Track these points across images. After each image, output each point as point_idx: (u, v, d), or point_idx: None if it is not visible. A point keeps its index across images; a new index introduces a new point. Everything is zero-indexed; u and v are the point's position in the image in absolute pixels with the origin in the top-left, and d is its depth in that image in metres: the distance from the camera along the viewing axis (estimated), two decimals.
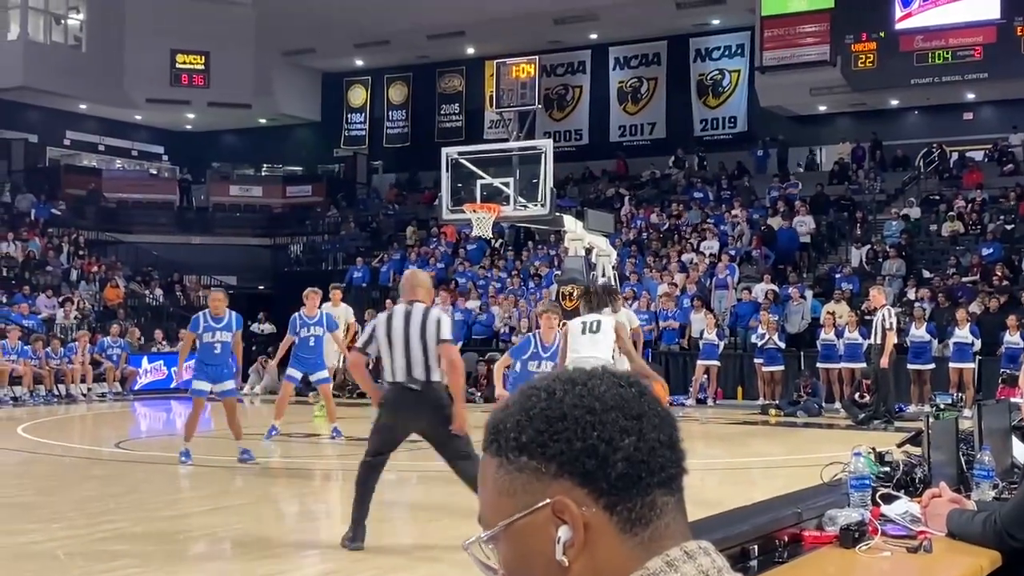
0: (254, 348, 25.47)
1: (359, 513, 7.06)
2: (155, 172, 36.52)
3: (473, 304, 23.75)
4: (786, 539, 2.97)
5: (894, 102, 28.74)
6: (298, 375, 13.95)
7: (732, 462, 11.76)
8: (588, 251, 18.96)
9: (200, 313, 11.70)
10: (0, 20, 32.24)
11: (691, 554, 1.15)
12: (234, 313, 11.58)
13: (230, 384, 11.55)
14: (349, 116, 37.13)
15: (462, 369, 7.35)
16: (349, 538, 7.03)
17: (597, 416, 1.15)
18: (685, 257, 24.49)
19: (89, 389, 20.93)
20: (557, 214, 18.45)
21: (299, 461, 12.36)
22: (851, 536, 3.01)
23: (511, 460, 1.17)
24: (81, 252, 29.63)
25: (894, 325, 16.38)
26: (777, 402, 18.82)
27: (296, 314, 13.96)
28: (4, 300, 24.84)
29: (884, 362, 15.95)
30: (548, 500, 1.14)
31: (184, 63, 34.52)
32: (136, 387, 22.48)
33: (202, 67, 34.62)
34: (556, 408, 1.16)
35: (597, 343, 9.93)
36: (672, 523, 1.17)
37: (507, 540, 1.17)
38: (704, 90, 31.88)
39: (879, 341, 16.09)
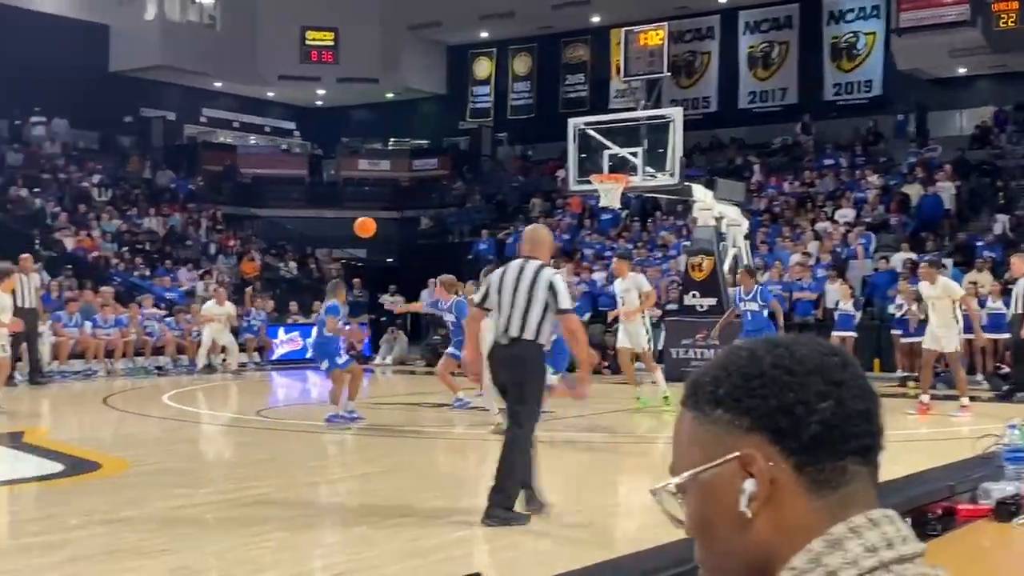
0: (383, 320, 25.97)
1: (519, 483, 7.02)
2: (287, 148, 37.38)
3: (600, 276, 23.71)
4: (939, 512, 2.94)
5: None
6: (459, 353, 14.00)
7: None
8: (718, 221, 18.73)
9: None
10: (138, 1, 33.36)
11: (876, 521, 1.15)
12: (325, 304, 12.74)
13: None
14: (474, 89, 37.33)
15: (584, 338, 7.26)
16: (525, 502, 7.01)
17: (796, 378, 1.17)
18: (819, 226, 23.98)
19: (224, 360, 21.59)
20: (686, 183, 18.27)
21: (435, 429, 12.58)
22: (1007, 510, 2.96)
23: (706, 413, 1.20)
24: (219, 226, 30.56)
25: None
26: (916, 374, 18.30)
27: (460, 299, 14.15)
28: (147, 273, 25.84)
29: None
30: (737, 453, 1.16)
31: (314, 40, 35.21)
32: (273, 357, 23.14)
33: (331, 43, 35.26)
34: (756, 366, 1.18)
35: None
36: (861, 491, 1.17)
37: (693, 490, 1.20)
38: (838, 53, 31.06)
39: (1020, 311, 15.51)
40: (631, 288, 14.12)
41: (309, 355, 22.71)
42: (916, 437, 11.27)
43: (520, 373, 6.88)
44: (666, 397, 13.58)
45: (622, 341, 14.26)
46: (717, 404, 1.19)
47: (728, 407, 1.18)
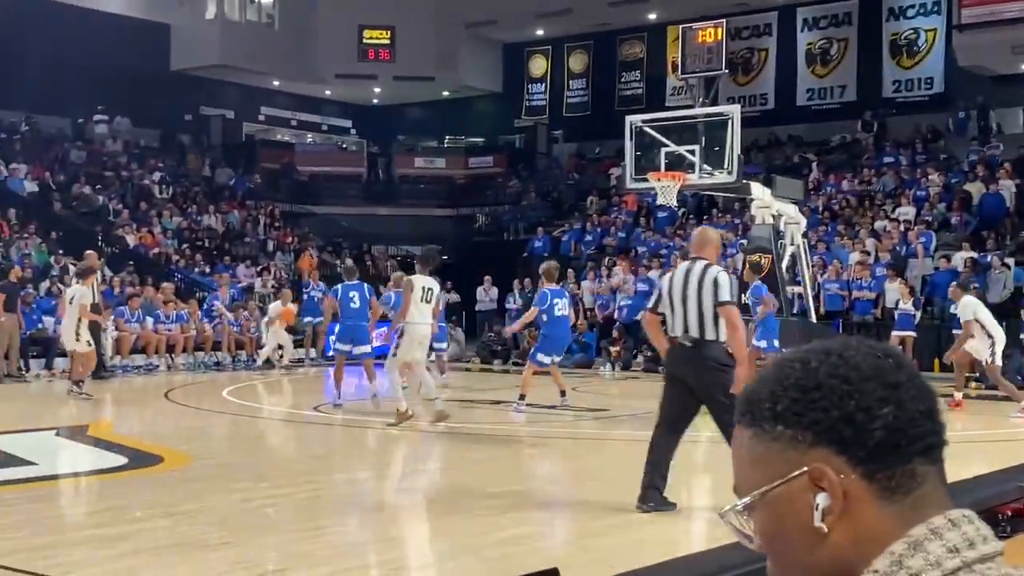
0: None
1: (647, 478, 7.09)
2: (344, 146, 37.64)
3: (656, 274, 23.56)
4: (1009, 513, 2.88)
5: None
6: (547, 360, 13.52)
7: None
8: (776, 218, 18.58)
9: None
10: (199, 0, 33.78)
11: (955, 522, 1.14)
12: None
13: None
14: (530, 86, 37.34)
15: (742, 333, 7.38)
16: (640, 499, 7.09)
17: (854, 385, 1.16)
18: (878, 224, 23.70)
19: (280, 356, 21.79)
20: (744, 181, 18.13)
21: (491, 426, 12.60)
22: None
23: (766, 430, 1.19)
24: (276, 224, 30.86)
25: None
26: (977, 375, 18.01)
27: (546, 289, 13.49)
28: (207, 270, 26.15)
29: None
30: (805, 468, 1.15)
31: (371, 38, 35.41)
32: (329, 352, 23.26)
33: (388, 41, 35.44)
34: (811, 378, 1.18)
35: (429, 310, 10.64)
36: (933, 492, 1.16)
37: (763, 509, 1.19)
38: (898, 50, 30.65)
39: None
40: None
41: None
42: (980, 439, 11.09)
43: (713, 374, 7.01)
44: None
45: None
46: (776, 420, 1.18)
47: (788, 422, 1.17)
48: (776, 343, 15.06)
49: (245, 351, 21.95)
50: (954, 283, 14.65)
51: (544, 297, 13.36)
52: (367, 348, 14.19)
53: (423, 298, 11.41)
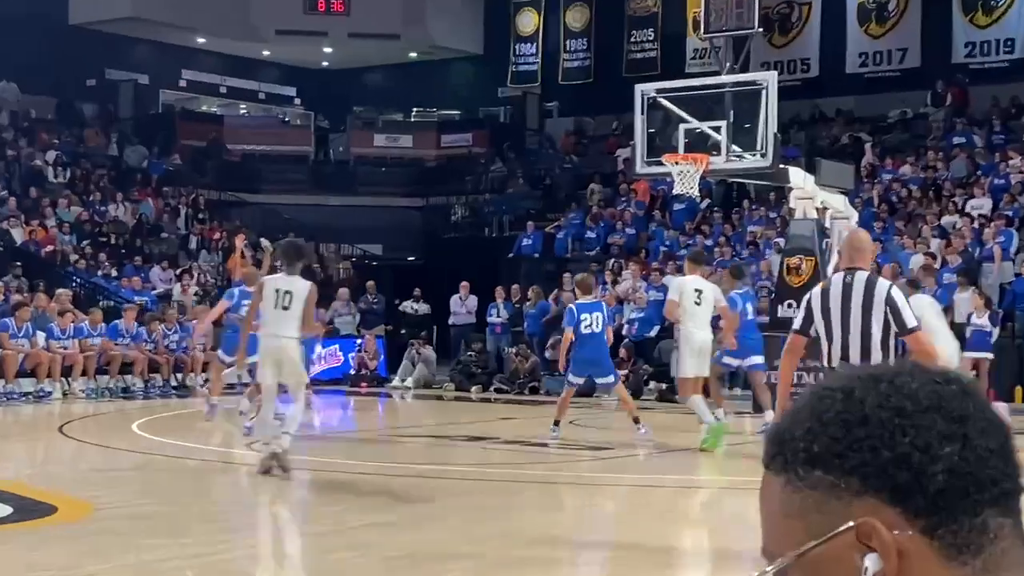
0: (403, 332, 26.06)
1: None
2: (286, 119, 37.59)
3: (671, 280, 23.63)
4: None
5: None
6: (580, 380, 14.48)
7: None
8: (821, 212, 18.63)
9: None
10: None
11: None
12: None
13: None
14: (518, 47, 37.33)
15: (937, 360, 7.49)
16: None
17: (909, 419, 1.15)
18: (946, 220, 23.81)
19: (205, 381, 21.68)
20: (781, 166, 18.17)
21: (468, 468, 12.60)
22: None
23: (801, 476, 1.18)
24: (201, 215, 30.81)
25: None
26: None
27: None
28: (114, 273, 26.07)
29: None
30: (851, 523, 1.14)
31: None
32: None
33: None
34: (856, 410, 1.17)
35: (289, 319, 10.50)
36: (1011, 549, 1.15)
37: (800, 573, 1.17)
38: (971, 5, 30.78)
39: None
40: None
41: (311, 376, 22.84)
42: None
43: None
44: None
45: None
46: (814, 464, 1.17)
47: (829, 467, 1.16)
48: (758, 360, 15.36)
49: (160, 374, 21.87)
50: None
51: (571, 315, 14.12)
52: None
53: (279, 303, 11.02)
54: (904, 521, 1.13)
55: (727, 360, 15.69)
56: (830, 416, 1.18)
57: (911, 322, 7.20)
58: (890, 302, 7.20)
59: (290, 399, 11.41)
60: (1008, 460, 1.17)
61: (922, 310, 13.58)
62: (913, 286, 14.66)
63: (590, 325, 13.94)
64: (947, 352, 13.43)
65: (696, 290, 13.52)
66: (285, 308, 10.93)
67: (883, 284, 7.39)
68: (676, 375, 15.64)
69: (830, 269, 18.78)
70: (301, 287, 10.99)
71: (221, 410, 16.29)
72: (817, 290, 7.52)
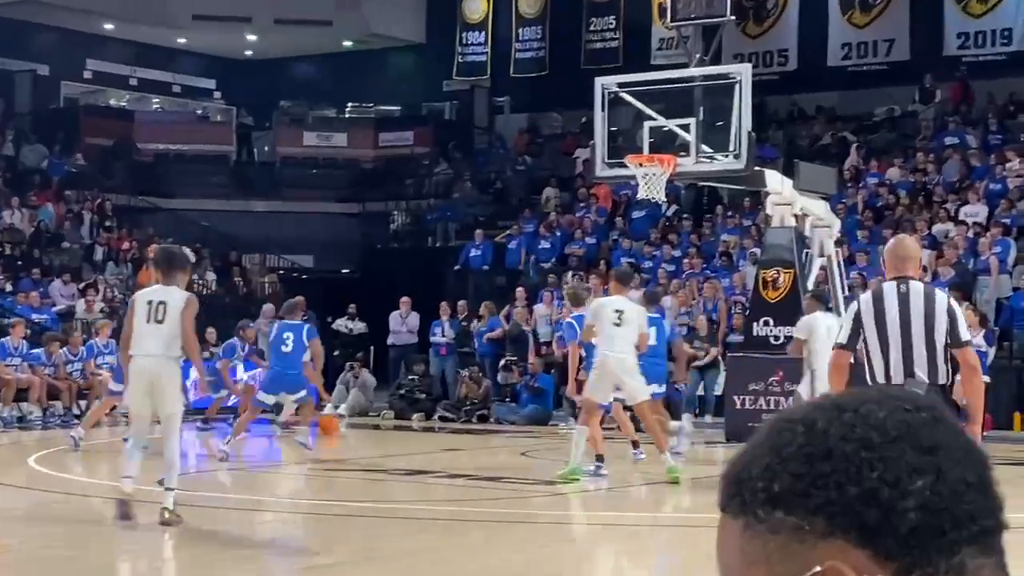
0: (336, 353, 25.93)
1: None
2: (205, 115, 37.41)
3: (635, 294, 23.70)
4: None
5: None
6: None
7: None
8: (800, 220, 18.77)
9: None
10: None
11: None
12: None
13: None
14: (464, 36, 37.36)
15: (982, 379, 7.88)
16: None
17: (876, 451, 1.16)
18: (937, 228, 24.01)
19: (114, 407, 21.52)
20: (756, 169, 18.29)
21: (409, 506, 12.58)
22: None
23: (761, 518, 1.18)
24: (108, 223, 30.59)
25: None
26: None
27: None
28: (8, 287, 25.82)
29: None
30: (817, 568, 1.14)
31: None
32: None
33: None
34: (819, 443, 1.17)
35: (163, 333, 10.29)
36: None
37: None
38: None
39: None
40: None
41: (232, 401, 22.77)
42: None
43: None
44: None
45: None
46: (775, 505, 1.17)
47: (791, 507, 1.16)
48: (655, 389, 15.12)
49: (61, 401, 21.68)
50: None
51: (572, 329, 14.53)
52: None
53: (150, 316, 10.66)
54: (874, 564, 1.14)
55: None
56: (791, 451, 1.18)
57: (966, 335, 7.52)
58: (951, 312, 7.46)
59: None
60: (987, 494, 1.18)
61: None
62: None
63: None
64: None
65: (616, 311, 13.33)
66: (159, 322, 10.46)
67: (941, 294, 7.69)
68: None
69: (810, 283, 18.97)
70: (178, 298, 10.51)
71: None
72: (866, 300, 7.68)
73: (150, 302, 10.53)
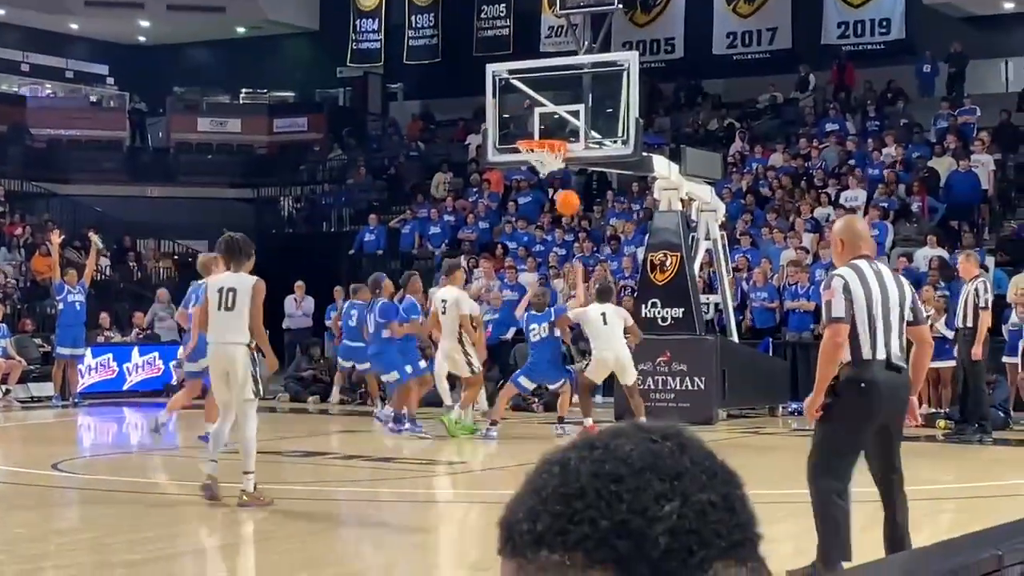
0: None
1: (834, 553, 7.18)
2: (97, 100, 36.86)
3: (529, 277, 23.80)
4: None
5: None
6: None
7: None
8: (687, 204, 18.93)
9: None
10: None
11: None
12: None
13: None
14: (358, 23, 37.19)
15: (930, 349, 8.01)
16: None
17: (623, 483, 1.21)
18: (819, 212, 24.31)
19: (7, 391, 21.23)
20: (644, 154, 18.41)
21: (304, 487, 12.55)
22: None
23: (529, 559, 1.22)
24: (0, 209, 30.07)
25: None
26: (946, 411, 18.67)
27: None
28: None
29: None
30: None
31: None
32: (78, 389, 22.72)
33: None
34: (573, 482, 1.22)
35: (233, 319, 10.81)
36: None
37: None
38: None
39: (962, 324, 16.11)
40: None
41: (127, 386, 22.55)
42: (949, 494, 11.49)
43: (904, 409, 7.49)
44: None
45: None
46: (539, 545, 1.21)
47: (553, 545, 1.20)
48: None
49: None
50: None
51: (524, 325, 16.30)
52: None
53: (221, 304, 10.87)
54: None
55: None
56: (548, 492, 1.22)
57: (922, 313, 7.70)
58: (912, 292, 7.68)
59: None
60: (734, 510, 1.23)
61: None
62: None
63: (537, 334, 15.93)
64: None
65: (443, 300, 15.60)
66: (229, 309, 10.88)
67: (900, 277, 7.82)
68: None
69: (696, 265, 19.16)
70: (247, 284, 10.86)
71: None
72: (851, 275, 7.41)
73: (220, 289, 10.85)
